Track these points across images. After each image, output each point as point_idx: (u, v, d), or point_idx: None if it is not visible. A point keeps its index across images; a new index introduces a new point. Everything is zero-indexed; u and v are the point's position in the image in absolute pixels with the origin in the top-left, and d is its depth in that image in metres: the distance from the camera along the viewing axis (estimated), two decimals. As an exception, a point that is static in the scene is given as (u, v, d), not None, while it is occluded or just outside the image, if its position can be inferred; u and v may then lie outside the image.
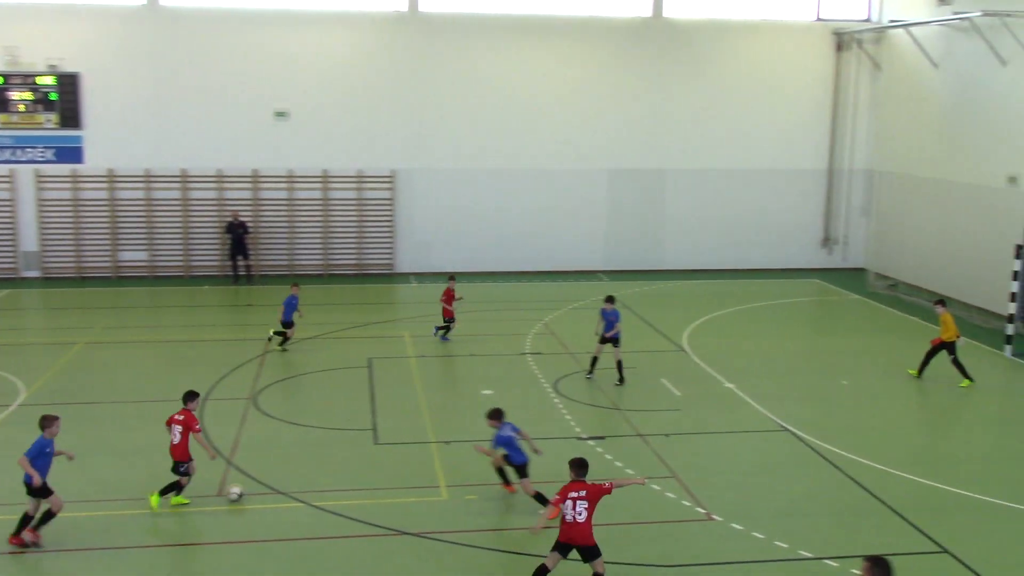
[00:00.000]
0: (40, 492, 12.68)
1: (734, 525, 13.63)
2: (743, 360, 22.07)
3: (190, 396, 14.41)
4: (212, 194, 30.86)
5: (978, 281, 27.44)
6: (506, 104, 31.82)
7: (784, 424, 17.86)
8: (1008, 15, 25.56)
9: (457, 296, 23.65)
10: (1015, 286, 23.18)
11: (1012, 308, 23.24)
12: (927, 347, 20.89)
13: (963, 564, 12.59)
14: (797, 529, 13.56)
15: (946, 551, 12.98)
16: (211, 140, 30.60)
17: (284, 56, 30.67)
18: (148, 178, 30.47)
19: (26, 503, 12.87)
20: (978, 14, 26.27)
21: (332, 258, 31.80)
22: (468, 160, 31.95)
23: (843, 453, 16.44)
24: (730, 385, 20.25)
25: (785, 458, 16.50)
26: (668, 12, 32.21)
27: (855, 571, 12.33)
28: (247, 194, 30.97)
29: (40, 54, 29.55)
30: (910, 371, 20.99)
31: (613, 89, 32.28)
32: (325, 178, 31.25)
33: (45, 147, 30.02)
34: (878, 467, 15.87)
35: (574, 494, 11.41)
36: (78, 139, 30.13)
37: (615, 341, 19.99)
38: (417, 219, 32.04)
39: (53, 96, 29.71)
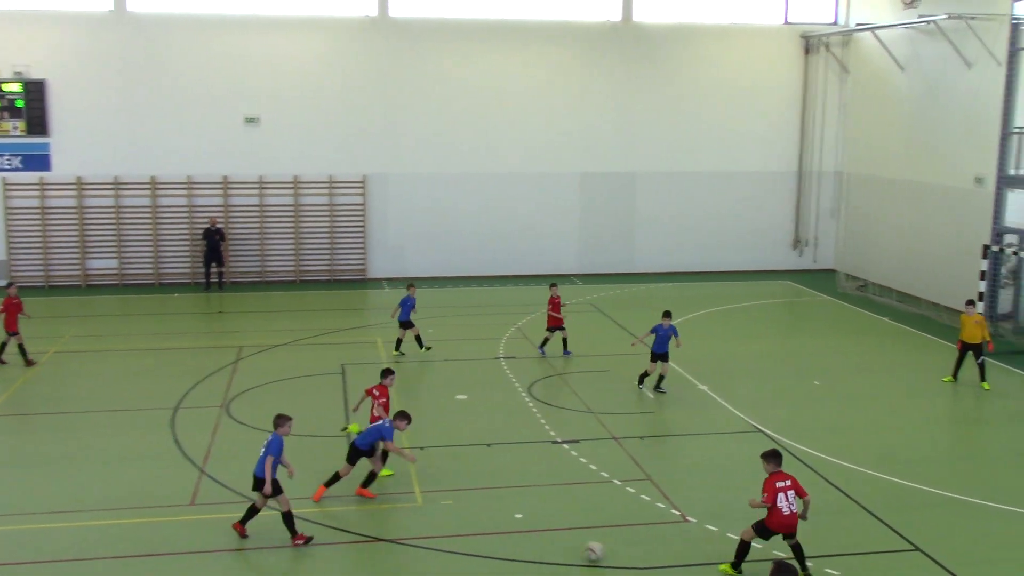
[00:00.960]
0: (273, 491, 13.00)
1: (709, 526, 13.70)
2: (716, 362, 22.18)
3: (384, 372, 16.11)
4: (182, 201, 30.64)
5: (947, 281, 27.73)
6: (477, 108, 31.84)
7: (757, 425, 17.96)
8: (972, 18, 25.88)
9: (564, 303, 22.93)
10: (983, 286, 23.46)
11: (980, 307, 23.52)
12: (900, 348, 21.04)
13: (935, 561, 12.71)
14: (771, 529, 13.61)
15: (918, 549, 13.10)
16: (180, 147, 30.39)
17: (254, 62, 30.53)
18: (117, 185, 30.20)
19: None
20: (943, 17, 26.59)
21: (304, 264, 31.66)
22: (440, 165, 31.94)
23: (816, 453, 16.56)
24: (703, 387, 20.34)
25: (759, 459, 16.54)
26: (637, 16, 32.36)
27: (830, 571, 12.44)
28: (217, 201, 30.77)
29: (6, 61, 29.23)
30: (945, 378, 20.90)
31: (584, 93, 32.39)
32: (296, 184, 31.11)
33: (12, 155, 29.67)
34: (851, 467, 15.99)
35: (781, 484, 12.03)
36: (45, 146, 29.81)
37: (665, 356, 19.82)
38: (389, 224, 31.97)
39: (19, 103, 29.38)
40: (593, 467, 15.82)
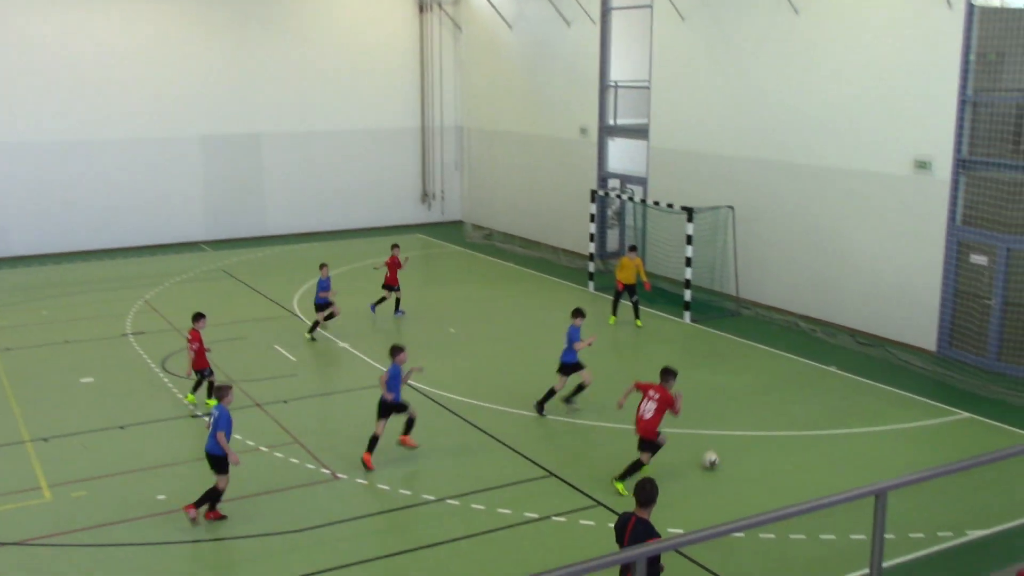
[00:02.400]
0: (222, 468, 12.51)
1: (359, 481, 13.87)
2: (354, 318, 22.32)
3: (196, 317, 16.62)
4: None
5: (563, 225, 29.90)
6: (75, 71, 29.27)
7: (399, 377, 18.33)
8: (569, -21, 27.77)
9: (402, 260, 22.92)
10: (593, 227, 25.53)
11: (592, 248, 25.60)
12: (526, 291, 22.30)
13: (567, 483, 13.77)
14: (419, 476, 14.08)
15: (552, 474, 14.12)
16: None
17: None
18: None
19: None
20: (543, -22, 28.29)
21: None
22: (42, 133, 29.13)
23: (457, 398, 17.28)
24: (344, 344, 20.46)
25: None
26: (249, -29, 31.37)
27: (475, 505, 13.08)
28: None
29: None
30: (610, 320, 22.16)
31: (195, 52, 30.87)
32: None
33: None
34: (489, 406, 16.86)
35: (652, 393, 13.32)
36: None
37: (578, 364, 16.57)
38: (-14, 199, 28.81)
39: None
40: (238, 436, 15.35)
